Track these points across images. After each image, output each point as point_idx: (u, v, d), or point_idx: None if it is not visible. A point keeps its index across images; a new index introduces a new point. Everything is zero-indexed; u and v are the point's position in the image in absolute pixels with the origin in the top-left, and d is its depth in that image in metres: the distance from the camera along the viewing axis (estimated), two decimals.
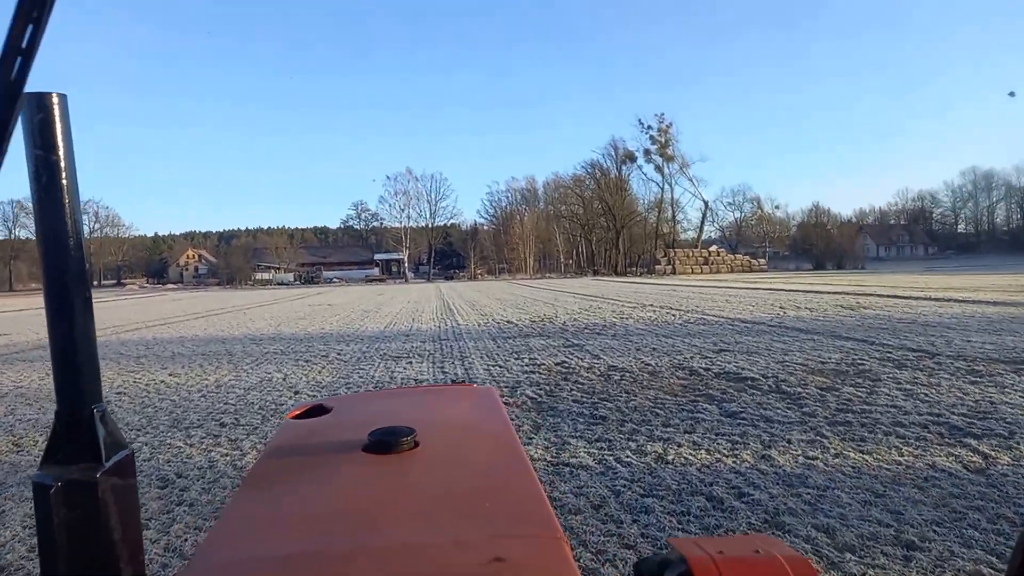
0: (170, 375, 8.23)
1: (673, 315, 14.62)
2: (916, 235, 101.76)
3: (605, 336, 10.90)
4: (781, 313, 13.99)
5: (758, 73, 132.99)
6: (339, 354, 9.77)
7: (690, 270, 59.87)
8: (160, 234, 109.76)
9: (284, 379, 7.60)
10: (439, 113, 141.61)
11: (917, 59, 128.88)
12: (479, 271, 76.45)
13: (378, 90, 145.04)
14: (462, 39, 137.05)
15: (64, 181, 0.71)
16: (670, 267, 60.20)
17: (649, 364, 7.76)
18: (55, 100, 0.70)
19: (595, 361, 8.14)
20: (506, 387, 6.63)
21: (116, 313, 23.54)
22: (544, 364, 8.01)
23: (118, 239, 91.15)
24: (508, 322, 14.36)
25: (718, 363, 7.61)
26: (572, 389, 6.42)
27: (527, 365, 8.02)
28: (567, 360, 8.28)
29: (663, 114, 75.77)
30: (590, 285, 38.00)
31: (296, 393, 6.70)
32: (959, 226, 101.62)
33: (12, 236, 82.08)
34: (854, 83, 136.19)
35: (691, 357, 8.17)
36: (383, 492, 1.03)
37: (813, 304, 16.16)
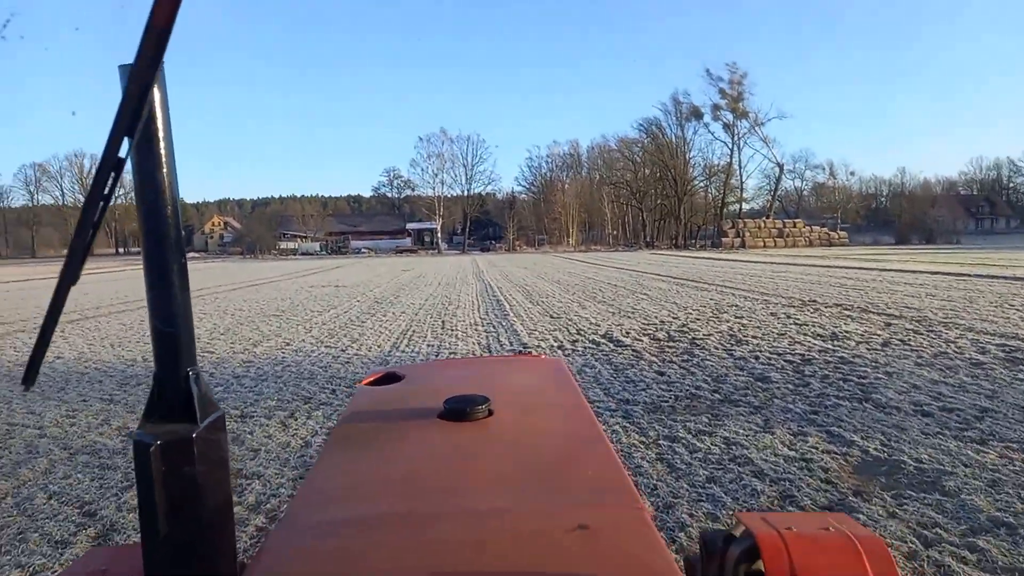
0: None
1: (910, 330, 7.99)
2: (999, 206, 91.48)
3: (896, 413, 4.54)
4: None
5: (812, 31, 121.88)
6: (256, 473, 3.67)
7: (762, 243, 51.80)
8: (188, 201, 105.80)
9: None
10: (480, 77, 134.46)
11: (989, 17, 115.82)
12: (517, 242, 69.68)
13: (416, 49, 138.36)
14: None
15: (163, 152, 0.71)
16: (739, 240, 52.40)
17: None
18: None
19: None
20: None
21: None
22: None
23: None
24: (610, 340, 8.04)
25: None
26: None
27: None
28: None
29: (735, 63, 64.99)
30: (660, 262, 31.09)
31: None
32: None
33: (35, 202, 78.65)
34: (930, 35, 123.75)
35: None
36: (462, 458, 1.04)
37: None
